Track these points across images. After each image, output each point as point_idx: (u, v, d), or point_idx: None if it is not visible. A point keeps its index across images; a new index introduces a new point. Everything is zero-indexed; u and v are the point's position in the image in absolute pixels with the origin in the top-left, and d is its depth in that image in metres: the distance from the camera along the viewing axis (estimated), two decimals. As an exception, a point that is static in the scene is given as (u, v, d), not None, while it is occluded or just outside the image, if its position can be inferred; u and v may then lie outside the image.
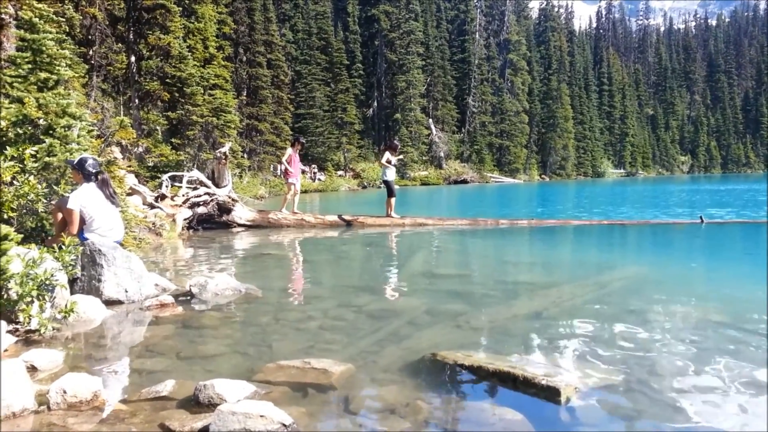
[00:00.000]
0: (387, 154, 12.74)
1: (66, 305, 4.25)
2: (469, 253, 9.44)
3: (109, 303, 4.81)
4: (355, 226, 12.05)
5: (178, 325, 4.35)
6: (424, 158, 54.09)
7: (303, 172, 37.45)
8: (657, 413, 2.75)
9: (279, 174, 36.28)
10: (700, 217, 11.93)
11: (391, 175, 12.62)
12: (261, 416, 2.42)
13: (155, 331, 4.22)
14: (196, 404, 2.76)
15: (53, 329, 4.04)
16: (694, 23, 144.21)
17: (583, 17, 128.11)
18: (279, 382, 3.06)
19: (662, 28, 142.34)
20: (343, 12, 57.78)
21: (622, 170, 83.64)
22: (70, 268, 4.75)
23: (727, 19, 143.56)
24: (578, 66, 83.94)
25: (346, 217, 12.34)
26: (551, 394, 2.82)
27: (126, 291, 4.95)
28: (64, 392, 2.77)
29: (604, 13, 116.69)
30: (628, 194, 30.76)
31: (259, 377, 3.14)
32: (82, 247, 4.96)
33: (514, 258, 8.64)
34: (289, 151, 12.92)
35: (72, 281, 4.86)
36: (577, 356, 3.58)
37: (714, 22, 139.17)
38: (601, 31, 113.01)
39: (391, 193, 12.47)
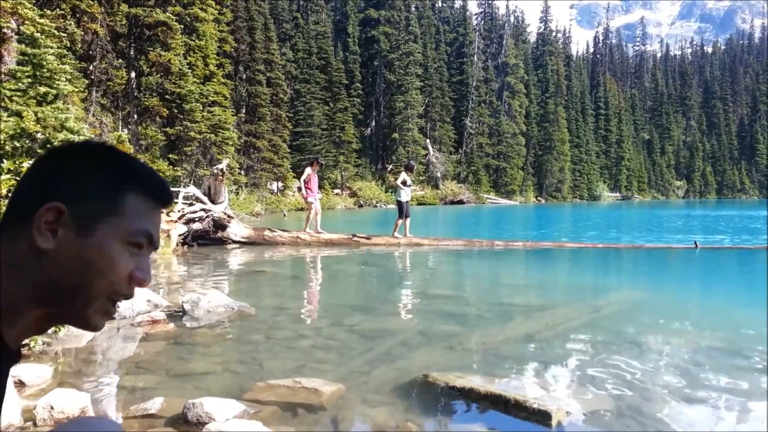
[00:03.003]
0: (403, 175, 12.72)
1: (57, 320, 4.22)
2: (463, 274, 9.44)
3: (101, 318, 4.77)
4: (351, 245, 12.04)
5: (168, 342, 4.32)
6: (420, 178, 54.26)
7: (299, 189, 37.57)
8: (648, 439, 2.74)
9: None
10: (695, 242, 11.96)
11: (405, 196, 12.57)
12: (249, 436, 2.40)
13: (146, 348, 4.19)
14: (184, 423, 2.74)
15: (43, 344, 4.01)
16: (690, 50, 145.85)
17: (581, 42, 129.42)
18: (269, 402, 3.04)
19: (659, 54, 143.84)
20: (343, 32, 58.33)
21: (617, 194, 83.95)
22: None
23: (722, 47, 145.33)
24: (575, 90, 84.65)
25: (344, 236, 12.34)
26: (542, 417, 2.80)
27: (117, 306, 4.92)
28: (52, 408, 2.74)
29: (601, 38, 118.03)
30: (624, 218, 30.85)
31: (249, 396, 3.11)
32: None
33: (509, 280, 8.63)
34: (308, 171, 12.82)
35: (64, 296, 4.83)
36: (569, 380, 3.57)
37: (710, 50, 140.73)
38: (598, 56, 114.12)
39: (401, 213, 12.42)
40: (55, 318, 0.78)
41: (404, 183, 12.59)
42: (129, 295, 0.78)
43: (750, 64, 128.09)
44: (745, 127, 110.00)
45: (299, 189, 37.03)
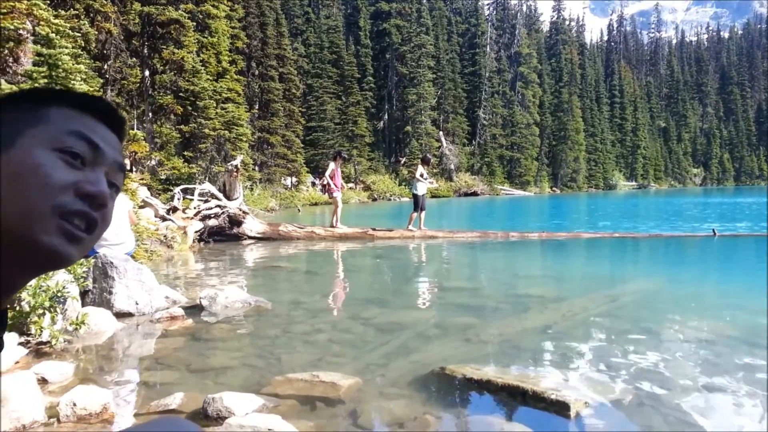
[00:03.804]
0: (420, 168, 12.80)
1: (77, 317, 4.28)
2: (479, 266, 9.41)
3: (120, 315, 4.84)
4: (366, 239, 12.05)
5: (187, 338, 4.37)
6: (434, 171, 54.03)
7: (313, 184, 37.62)
8: (668, 428, 2.72)
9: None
10: (713, 230, 11.83)
11: (422, 189, 12.60)
12: (269, 430, 2.42)
13: (165, 344, 4.24)
14: (204, 417, 2.77)
15: (64, 341, 4.07)
16: (706, 36, 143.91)
17: (595, 30, 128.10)
18: (287, 396, 3.06)
19: (674, 41, 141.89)
20: (355, 26, 58.19)
21: (633, 182, 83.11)
22: (82, 280, 4.79)
23: (739, 32, 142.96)
24: (589, 78, 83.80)
25: (359, 230, 12.36)
26: (560, 408, 2.80)
27: (137, 303, 4.98)
28: (74, 405, 2.78)
29: (615, 26, 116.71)
30: (641, 207, 30.57)
31: (268, 390, 3.14)
32: (94, 260, 5.01)
33: (525, 271, 8.60)
34: (332, 165, 12.91)
35: (83, 293, 4.90)
36: (587, 370, 3.55)
37: (726, 35, 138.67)
38: (613, 43, 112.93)
39: (417, 207, 12.46)
40: (9, 258, 0.65)
41: (422, 176, 12.63)
42: (83, 212, 0.67)
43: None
44: (764, 112, 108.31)
45: (313, 184, 37.16)
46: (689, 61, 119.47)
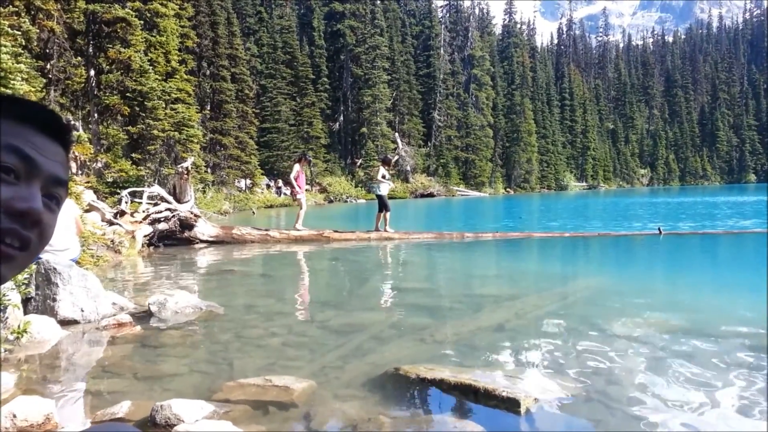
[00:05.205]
0: (381, 169, 12.84)
1: (19, 326, 4.12)
2: (435, 266, 9.48)
3: (65, 323, 4.67)
4: (321, 241, 11.98)
5: (136, 345, 4.25)
6: (390, 172, 54.09)
7: (268, 186, 37.21)
8: (615, 422, 2.79)
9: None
10: (659, 229, 12.22)
11: (384, 189, 12.64)
12: (219, 436, 2.37)
13: (112, 351, 4.12)
14: (153, 425, 2.70)
15: (5, 351, 3.91)
16: (651, 40, 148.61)
17: (545, 34, 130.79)
18: (239, 401, 3.01)
19: (621, 45, 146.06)
20: (309, 26, 57.83)
21: (584, 183, 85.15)
22: (24, 287, 4.61)
23: (682, 36, 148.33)
24: (540, 81, 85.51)
25: (314, 232, 12.29)
26: (511, 405, 2.84)
27: (82, 310, 4.82)
28: (14, 416, 2.67)
29: (564, 29, 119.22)
30: (591, 207, 31.37)
31: (219, 396, 3.08)
32: (36, 266, 4.83)
33: (479, 271, 8.71)
34: (297, 167, 12.83)
35: (26, 301, 4.72)
36: (538, 367, 3.62)
37: (671, 39, 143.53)
38: (562, 47, 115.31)
39: (384, 207, 12.47)
40: None
41: (384, 177, 12.71)
42: (13, 231, 0.65)
43: (709, 53, 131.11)
44: (706, 114, 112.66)
45: (268, 186, 36.68)
46: (636, 65, 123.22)
